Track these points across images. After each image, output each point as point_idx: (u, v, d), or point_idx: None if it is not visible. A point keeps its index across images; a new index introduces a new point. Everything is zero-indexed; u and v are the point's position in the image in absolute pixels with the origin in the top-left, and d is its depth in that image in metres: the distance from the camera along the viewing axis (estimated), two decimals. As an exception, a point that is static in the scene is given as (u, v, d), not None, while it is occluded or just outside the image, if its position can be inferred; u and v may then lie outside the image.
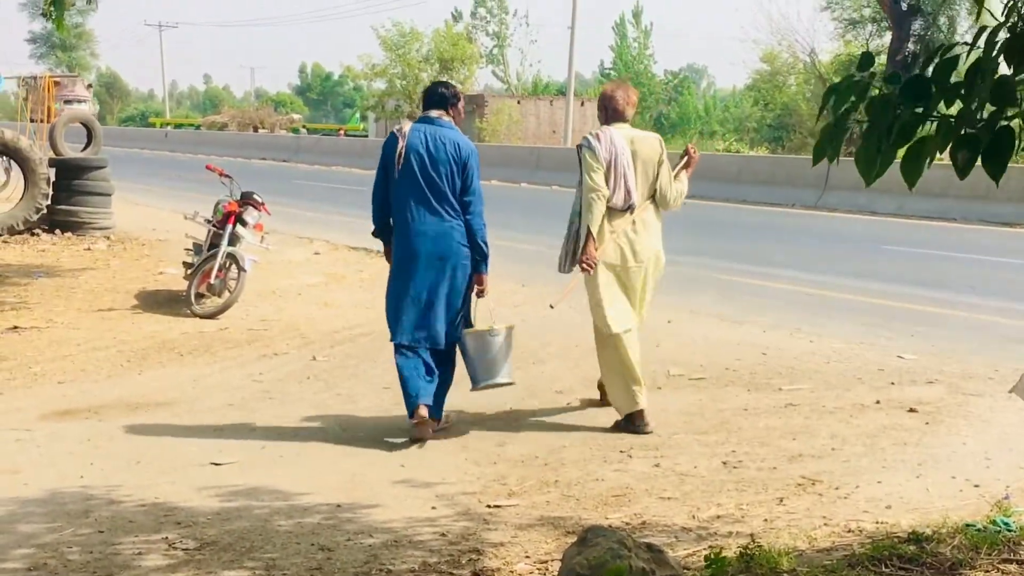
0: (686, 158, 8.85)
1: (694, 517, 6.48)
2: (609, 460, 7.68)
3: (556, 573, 4.93)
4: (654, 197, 8.49)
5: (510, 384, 8.54)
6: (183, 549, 6.06)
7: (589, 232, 8.20)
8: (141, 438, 8.24)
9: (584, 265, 8.24)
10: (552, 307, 9.02)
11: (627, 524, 6.18)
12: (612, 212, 8.29)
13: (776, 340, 11.55)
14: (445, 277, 8.20)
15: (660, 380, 9.87)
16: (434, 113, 8.37)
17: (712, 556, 5.02)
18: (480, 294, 8.46)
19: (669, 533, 6.09)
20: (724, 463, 7.56)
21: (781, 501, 6.74)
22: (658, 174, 8.43)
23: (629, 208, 8.35)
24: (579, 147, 8.47)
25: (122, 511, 6.67)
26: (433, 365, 8.23)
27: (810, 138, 50.85)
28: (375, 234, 8.63)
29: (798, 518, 6.38)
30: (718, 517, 6.47)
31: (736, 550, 5.35)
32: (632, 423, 8.34)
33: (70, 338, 11.71)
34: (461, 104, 8.63)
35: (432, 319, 8.19)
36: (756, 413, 8.80)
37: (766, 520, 6.35)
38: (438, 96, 8.50)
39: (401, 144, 8.14)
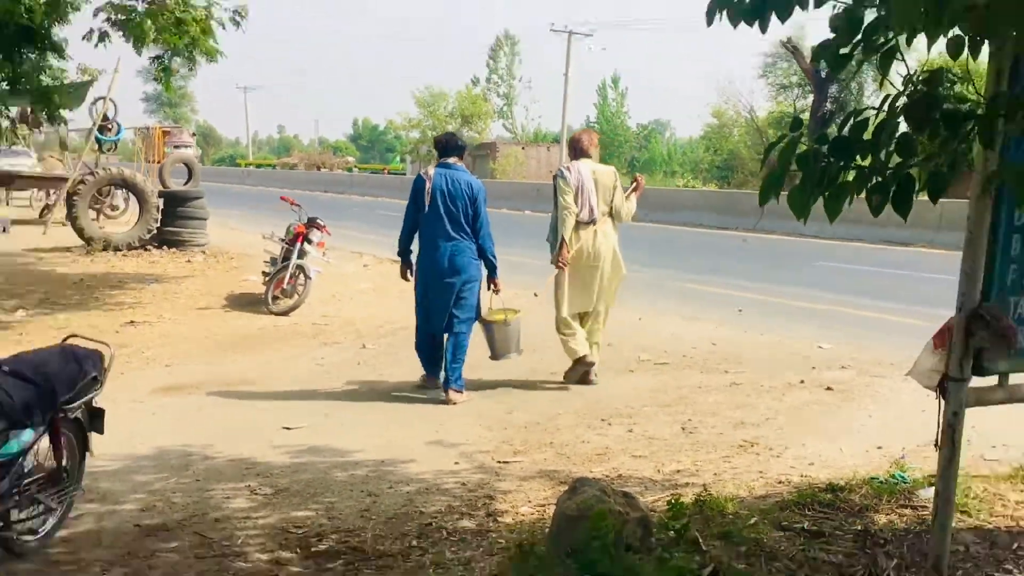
0: (635, 184, 9.27)
1: (659, 471, 6.49)
2: (593, 426, 7.68)
3: (552, 514, 4.92)
4: (611, 213, 8.91)
5: (519, 354, 9.05)
6: (262, 494, 6.07)
7: (563, 239, 8.66)
8: (229, 408, 8.26)
9: (560, 264, 8.76)
10: (536, 295, 10.03)
11: (607, 476, 6.18)
12: (579, 224, 8.76)
13: (723, 334, 11.55)
14: (459, 283, 8.52)
15: (632, 364, 9.89)
16: (451, 160, 8.71)
17: (673, 501, 5.02)
18: (496, 292, 8.85)
19: (640, 483, 6.10)
20: (683, 429, 7.56)
21: (727, 459, 6.75)
22: (613, 196, 8.87)
23: (592, 221, 8.80)
24: (555, 176, 8.94)
25: (214, 465, 6.70)
26: (447, 345, 8.64)
27: (751, 176, 51.04)
28: (399, 253, 8.92)
29: (740, 472, 6.38)
30: (678, 471, 6.48)
31: (692, 497, 5.35)
32: (575, 366, 8.99)
33: (174, 330, 11.73)
34: (467, 152, 9.15)
35: (448, 316, 8.55)
36: (708, 390, 8.80)
37: (715, 474, 6.36)
38: (454, 146, 8.83)
39: (428, 185, 8.51)
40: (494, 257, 8.75)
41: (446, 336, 8.67)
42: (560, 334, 8.99)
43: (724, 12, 3.13)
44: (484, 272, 8.82)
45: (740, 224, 28.50)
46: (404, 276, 9.02)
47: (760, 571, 4.36)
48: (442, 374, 8.69)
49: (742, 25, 3.14)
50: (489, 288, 8.86)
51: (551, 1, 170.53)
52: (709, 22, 3.18)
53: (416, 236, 8.72)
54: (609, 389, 8.89)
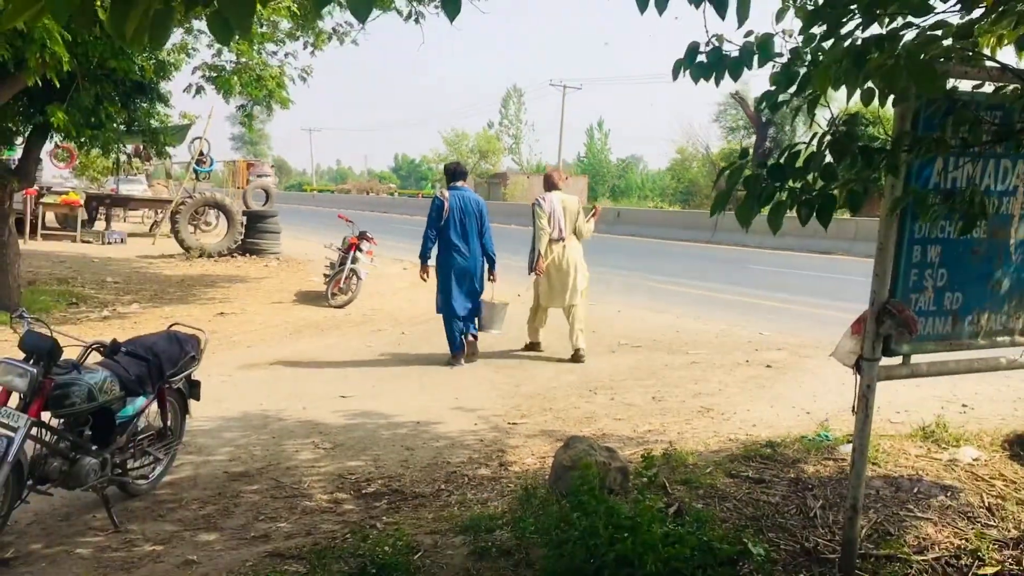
0: (594, 211, 9.72)
1: (635, 431, 6.47)
2: (583, 396, 7.65)
3: (551, 465, 4.91)
4: (575, 232, 9.24)
5: (500, 332, 9.35)
6: (323, 448, 6.07)
7: (540, 253, 9.05)
8: (297, 380, 8.25)
9: (537, 271, 9.17)
10: (519, 295, 10.49)
11: (594, 435, 6.15)
12: (552, 241, 9.13)
13: (684, 323, 11.51)
14: (471, 279, 8.95)
15: (614, 347, 9.86)
16: (460, 184, 9.11)
17: (645, 455, 5.01)
18: (492, 281, 9.15)
19: (619, 441, 6.07)
20: (653, 398, 7.53)
21: (688, 421, 6.72)
22: (577, 219, 9.23)
23: (561, 239, 9.15)
24: (533, 204, 9.31)
25: (286, 425, 6.69)
26: (464, 326, 9.01)
27: (706, 199, 50.98)
28: (420, 256, 9.13)
29: (698, 432, 6.36)
30: (649, 431, 6.46)
31: (660, 451, 5.34)
32: (534, 347, 9.56)
33: (255, 319, 11.73)
34: (484, 180, 9.73)
35: (464, 301, 8.92)
36: (673, 368, 8.77)
37: (679, 433, 6.33)
38: (461, 173, 9.27)
39: (446, 205, 8.84)
40: (494, 255, 9.07)
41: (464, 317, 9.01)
42: (529, 322, 9.59)
43: (687, 70, 3.13)
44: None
45: (698, 237, 28.50)
46: (423, 277, 9.26)
47: (715, 509, 4.34)
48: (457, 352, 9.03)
49: (700, 80, 3.14)
50: (488, 278, 9.12)
51: (550, 59, 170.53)
52: (675, 77, 3.17)
53: (436, 243, 8.98)
54: (596, 366, 8.87)
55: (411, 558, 3.90)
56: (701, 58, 3.08)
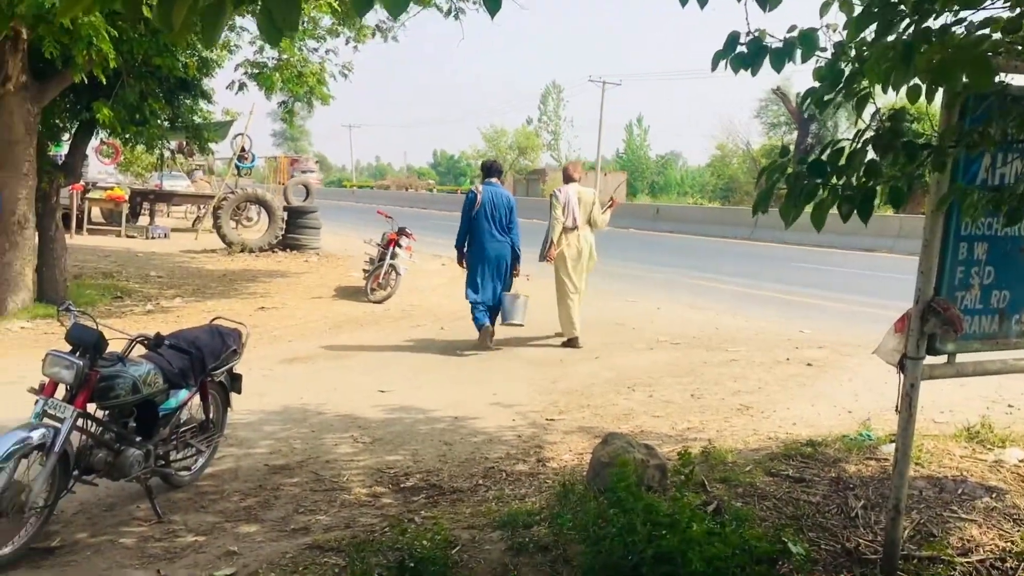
0: (611, 202, 10.03)
1: (673, 428, 6.44)
2: (620, 392, 7.63)
3: (588, 461, 4.90)
4: (589, 222, 9.67)
5: (521, 325, 9.57)
6: (362, 442, 6.11)
7: (552, 241, 9.57)
8: (336, 374, 8.32)
9: (549, 258, 9.69)
10: (527, 277, 10.46)
11: (632, 432, 6.13)
12: (566, 229, 9.60)
13: (723, 320, 11.43)
14: (499, 269, 9.39)
15: (653, 344, 9.82)
16: (494, 180, 9.65)
17: (683, 452, 4.97)
18: (516, 274, 9.59)
19: (658, 438, 6.04)
20: (692, 395, 7.49)
21: (727, 419, 6.67)
22: (592, 210, 9.66)
23: (575, 227, 9.61)
24: (551, 196, 9.80)
25: (325, 418, 6.75)
26: (488, 312, 9.45)
27: (746, 196, 50.56)
28: (457, 247, 9.63)
29: (737, 430, 6.31)
30: (688, 428, 6.42)
31: (699, 449, 5.30)
32: (572, 343, 9.62)
33: (295, 314, 11.84)
34: (504, 174, 9.98)
35: (491, 290, 9.37)
36: (711, 365, 8.71)
37: (717, 431, 6.28)
38: (496, 170, 9.81)
39: (479, 198, 9.39)
40: (519, 250, 9.53)
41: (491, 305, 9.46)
42: (564, 304, 9.68)
43: (726, 61, 3.10)
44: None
45: (737, 234, 28.25)
46: (460, 263, 9.71)
47: (754, 507, 4.31)
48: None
49: (739, 75, 3.12)
50: (512, 272, 9.53)
51: (589, 55, 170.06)
52: (714, 68, 3.14)
53: (468, 234, 9.49)
54: (633, 363, 8.84)
55: (449, 552, 3.92)
56: (741, 49, 3.06)
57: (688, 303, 12.97)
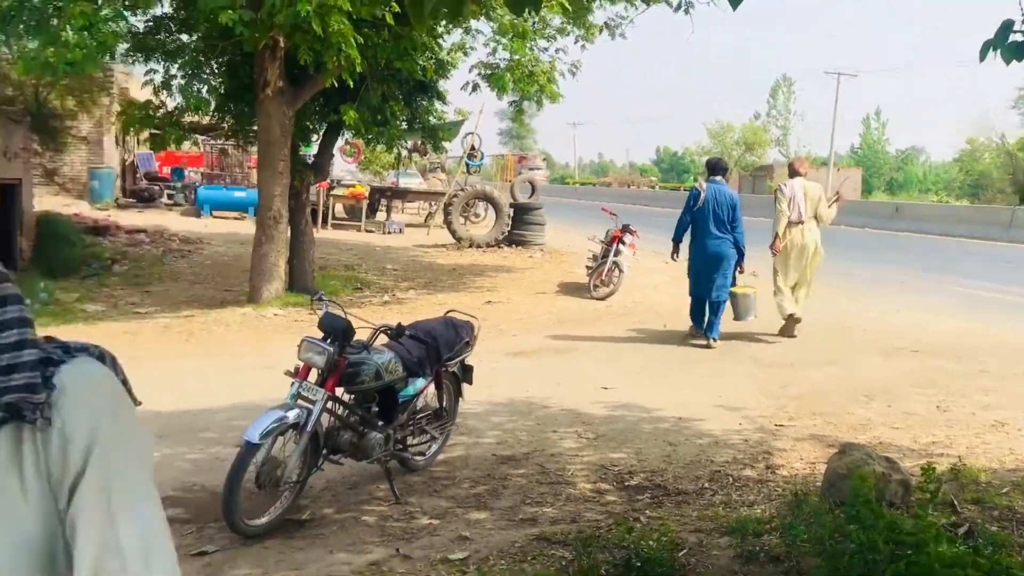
0: (837, 197, 10.26)
1: (915, 442, 6.05)
2: (856, 401, 7.24)
3: (823, 472, 4.69)
4: (815, 216, 9.73)
5: (755, 318, 9.77)
6: (586, 438, 6.17)
7: (777, 234, 9.66)
8: (561, 369, 8.43)
9: (774, 250, 9.78)
10: (755, 274, 10.76)
11: (870, 443, 5.80)
12: (791, 223, 9.68)
13: (970, 327, 10.59)
14: (721, 265, 9.37)
15: (889, 349, 9.28)
16: (718, 178, 9.75)
17: (926, 468, 4.65)
18: (741, 272, 9.71)
19: (898, 451, 5.68)
20: (937, 407, 6.99)
21: (978, 435, 6.18)
22: (818, 205, 9.72)
23: (800, 221, 9.67)
24: (776, 190, 10.08)
25: (550, 412, 6.86)
26: (707, 309, 9.50)
27: (999, 193, 46.47)
28: (674, 239, 9.85)
29: (991, 448, 5.83)
30: (932, 443, 6.01)
31: (946, 466, 4.94)
32: (791, 321, 9.68)
33: (520, 308, 12.12)
34: (728, 172, 10.45)
35: (712, 285, 9.36)
36: (957, 376, 8.10)
37: (968, 448, 5.83)
38: (721, 168, 9.97)
39: (702, 195, 9.46)
40: (743, 248, 9.52)
41: (708, 301, 9.48)
42: (776, 296, 9.81)
43: (997, 51, 2.85)
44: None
45: (990, 234, 25.99)
46: (673, 256, 10.01)
47: (1011, 533, 3.96)
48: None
49: (1010, 66, 2.86)
50: (737, 269, 9.59)
51: (823, 48, 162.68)
52: (982, 58, 2.90)
53: (689, 230, 9.61)
54: (869, 369, 8.38)
55: (676, 555, 3.88)
56: (1016, 37, 2.80)
57: (929, 307, 12.08)
